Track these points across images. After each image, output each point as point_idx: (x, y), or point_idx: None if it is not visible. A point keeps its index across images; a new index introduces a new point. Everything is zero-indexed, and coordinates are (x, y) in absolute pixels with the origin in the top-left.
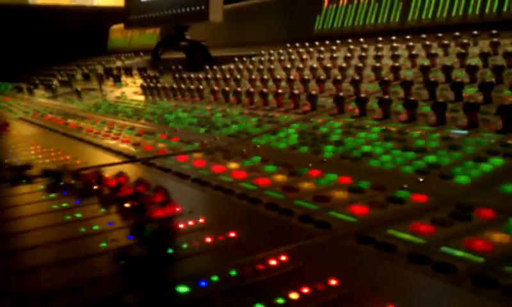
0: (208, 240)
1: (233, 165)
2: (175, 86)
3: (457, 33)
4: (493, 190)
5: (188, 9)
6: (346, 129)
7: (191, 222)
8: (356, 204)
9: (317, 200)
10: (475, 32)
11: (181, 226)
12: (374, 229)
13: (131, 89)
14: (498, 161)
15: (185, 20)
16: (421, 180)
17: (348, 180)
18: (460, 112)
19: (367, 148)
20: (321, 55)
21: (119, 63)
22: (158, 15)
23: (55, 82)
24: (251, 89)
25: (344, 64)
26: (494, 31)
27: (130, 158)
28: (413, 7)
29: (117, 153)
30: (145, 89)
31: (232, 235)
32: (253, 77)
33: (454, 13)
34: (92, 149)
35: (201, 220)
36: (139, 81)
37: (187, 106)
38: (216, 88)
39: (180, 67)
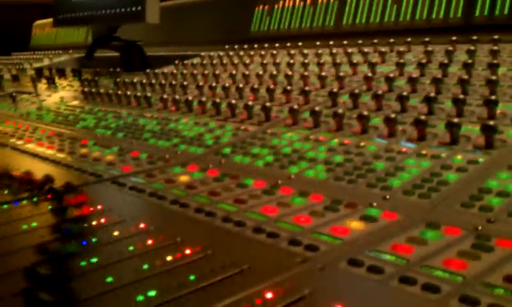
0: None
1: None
2: (119, 92)
3: (391, 39)
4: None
5: (123, 10)
6: (306, 142)
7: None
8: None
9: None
10: (408, 39)
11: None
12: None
13: (68, 94)
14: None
15: (120, 20)
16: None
17: (320, 198)
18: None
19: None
20: (264, 61)
21: (47, 61)
22: (91, 14)
23: None
24: (203, 99)
25: (290, 72)
26: (426, 38)
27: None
28: (347, 12)
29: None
30: (87, 95)
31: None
32: (200, 83)
33: (386, 18)
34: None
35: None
36: (75, 83)
37: (140, 115)
38: (165, 96)
39: (118, 69)
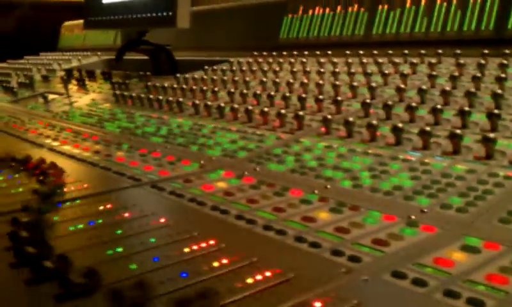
0: None
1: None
2: (151, 96)
3: (421, 50)
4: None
5: (154, 14)
6: (343, 153)
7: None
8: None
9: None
10: (439, 50)
11: None
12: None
13: (99, 96)
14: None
15: (150, 24)
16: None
17: (358, 209)
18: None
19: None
20: (294, 69)
21: (75, 62)
22: (122, 18)
23: (14, 83)
24: (235, 105)
25: (321, 81)
26: (457, 50)
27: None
28: (377, 21)
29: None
30: (118, 98)
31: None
32: (231, 90)
33: (417, 29)
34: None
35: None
36: (105, 86)
37: (179, 120)
38: (196, 101)
39: (148, 73)
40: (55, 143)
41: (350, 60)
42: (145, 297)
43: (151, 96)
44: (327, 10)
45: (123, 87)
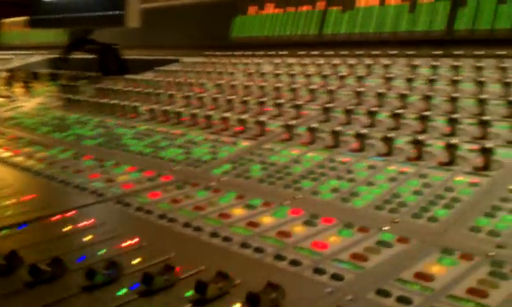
0: None
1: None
2: (105, 100)
3: (374, 51)
4: None
5: (103, 13)
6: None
7: None
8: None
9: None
10: (391, 51)
11: None
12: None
13: (48, 99)
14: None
15: (99, 24)
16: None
17: (331, 220)
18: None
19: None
20: (251, 70)
21: (17, 62)
22: (70, 17)
23: None
24: (195, 111)
25: (279, 84)
26: (409, 51)
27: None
28: (329, 21)
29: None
30: (68, 102)
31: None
32: (189, 94)
33: (369, 29)
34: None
35: None
36: (52, 88)
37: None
38: (153, 106)
39: (96, 74)
40: (5, 154)
41: (304, 61)
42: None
43: (104, 101)
44: (278, 10)
45: (72, 89)
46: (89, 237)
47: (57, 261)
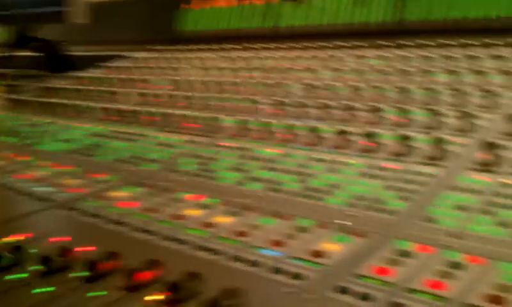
0: None
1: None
2: (54, 100)
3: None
4: None
5: (46, 9)
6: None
7: None
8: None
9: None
10: (340, 43)
11: None
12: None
13: None
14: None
15: (42, 20)
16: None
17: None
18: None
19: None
20: (200, 64)
21: None
22: (11, 14)
23: None
24: (152, 110)
25: (236, 79)
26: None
27: None
28: (272, 14)
29: None
30: (13, 102)
31: None
32: (144, 91)
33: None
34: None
35: None
36: None
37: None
38: (105, 105)
39: (42, 72)
40: None
41: (252, 54)
42: None
43: (54, 100)
44: (224, 3)
45: (18, 89)
46: None
47: None
